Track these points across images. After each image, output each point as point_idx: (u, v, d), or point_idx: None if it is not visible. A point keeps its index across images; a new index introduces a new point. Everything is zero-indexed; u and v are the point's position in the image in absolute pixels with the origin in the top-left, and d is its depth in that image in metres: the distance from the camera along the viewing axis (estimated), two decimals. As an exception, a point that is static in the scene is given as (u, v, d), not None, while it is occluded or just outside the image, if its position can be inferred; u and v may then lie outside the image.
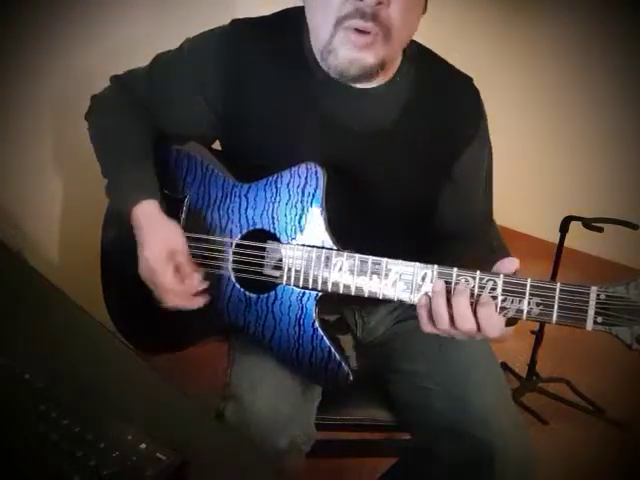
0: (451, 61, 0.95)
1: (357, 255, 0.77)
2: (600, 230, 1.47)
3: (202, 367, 0.92)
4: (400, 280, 0.75)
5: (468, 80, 0.93)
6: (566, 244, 1.56)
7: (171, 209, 0.89)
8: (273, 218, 0.84)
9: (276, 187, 0.85)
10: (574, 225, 1.53)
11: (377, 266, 0.76)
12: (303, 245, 0.81)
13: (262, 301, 0.84)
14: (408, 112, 0.87)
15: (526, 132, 2.28)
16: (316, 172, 0.82)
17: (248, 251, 0.86)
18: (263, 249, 0.85)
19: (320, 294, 0.80)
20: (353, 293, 0.77)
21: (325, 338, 0.81)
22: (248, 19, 0.91)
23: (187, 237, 0.87)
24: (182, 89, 0.92)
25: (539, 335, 1.63)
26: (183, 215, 0.91)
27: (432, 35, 1.00)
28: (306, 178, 0.82)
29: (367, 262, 0.76)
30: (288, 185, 0.84)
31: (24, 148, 1.28)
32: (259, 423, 0.81)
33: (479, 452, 0.82)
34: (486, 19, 2.21)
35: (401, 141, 0.88)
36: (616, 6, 2.05)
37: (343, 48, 0.77)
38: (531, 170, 2.24)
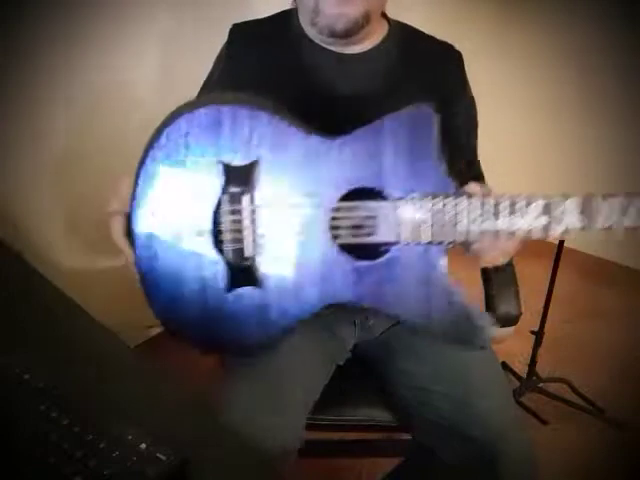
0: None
1: (482, 198, 0.71)
2: (600, 230, 1.46)
3: (202, 367, 0.92)
4: (535, 213, 0.71)
5: (450, 46, 0.99)
6: (566, 244, 1.57)
7: (237, 180, 0.76)
8: (379, 172, 0.74)
9: (379, 137, 0.74)
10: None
11: (506, 205, 0.71)
12: (425, 196, 0.73)
13: (377, 269, 0.75)
14: (393, 75, 0.93)
15: (526, 132, 2.28)
16: (427, 114, 0.73)
17: (354, 214, 0.75)
18: (369, 210, 0.74)
19: (450, 245, 0.74)
20: (500, 237, 0.73)
21: (460, 292, 0.75)
22: (244, 22, 1.00)
23: (262, 209, 0.76)
24: None
25: (539, 335, 1.63)
26: (256, 183, 0.76)
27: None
28: (414, 122, 0.74)
29: (499, 204, 0.71)
30: (394, 132, 0.74)
31: (24, 148, 1.28)
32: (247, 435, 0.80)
33: (480, 453, 0.82)
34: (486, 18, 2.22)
35: (387, 103, 0.89)
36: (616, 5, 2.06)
37: (327, 5, 0.85)
38: (531, 170, 2.24)
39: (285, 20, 0.98)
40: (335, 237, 0.76)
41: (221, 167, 0.75)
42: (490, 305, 1.00)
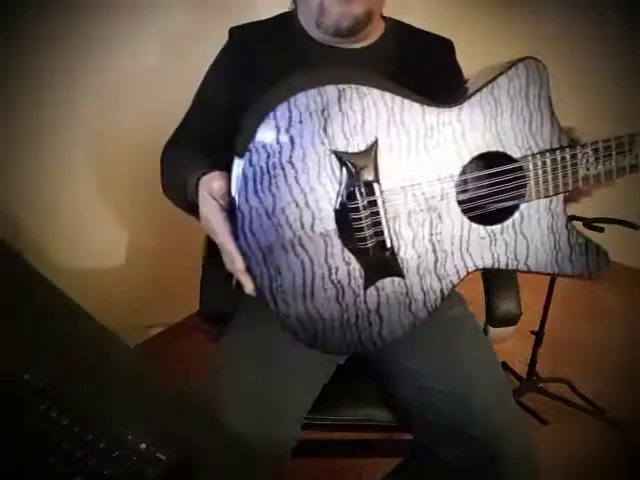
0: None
1: (598, 142, 0.79)
2: (600, 230, 1.46)
3: (202, 367, 0.91)
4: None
5: (442, 38, 1.02)
6: (566, 244, 1.57)
7: (355, 169, 0.70)
8: (499, 135, 0.76)
9: (494, 99, 0.75)
10: (574, 225, 1.53)
11: (619, 144, 0.79)
12: (546, 152, 0.77)
13: (508, 229, 0.79)
14: (391, 70, 0.93)
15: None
16: (537, 67, 0.75)
17: (480, 183, 0.78)
18: (495, 175, 0.77)
19: (567, 192, 0.80)
20: (603, 180, 0.80)
21: (579, 232, 0.83)
22: (243, 24, 1.01)
23: (391, 194, 0.73)
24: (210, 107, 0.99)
25: (539, 335, 1.63)
26: (379, 168, 0.71)
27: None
28: (527, 78, 0.75)
29: (610, 145, 0.79)
30: (508, 92, 0.75)
31: (25, 149, 1.28)
32: (246, 434, 0.79)
33: (480, 452, 0.82)
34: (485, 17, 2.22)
35: None
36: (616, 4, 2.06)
37: (333, 4, 0.88)
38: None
39: (286, 21, 0.99)
40: (465, 209, 0.77)
41: (334, 157, 0.68)
42: (490, 305, 1.00)
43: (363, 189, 0.71)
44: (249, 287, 0.71)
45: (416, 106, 0.72)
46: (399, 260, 0.75)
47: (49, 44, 1.24)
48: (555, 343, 1.74)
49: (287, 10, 1.03)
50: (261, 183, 0.67)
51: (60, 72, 1.27)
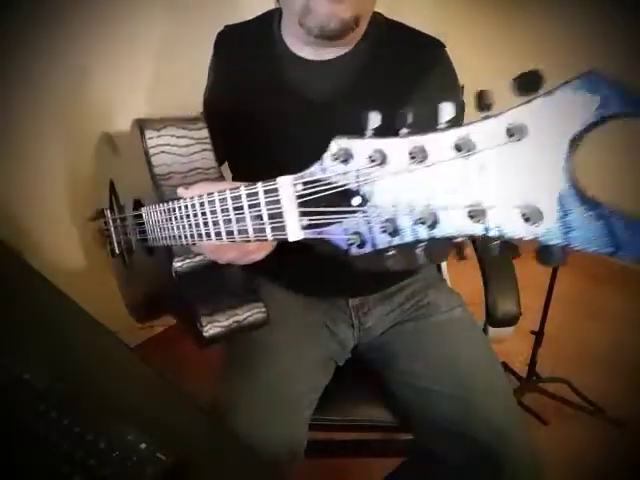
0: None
1: None
2: (600, 230, 1.47)
3: (202, 367, 0.91)
4: None
5: (432, 40, 0.93)
6: (566, 244, 1.56)
7: None
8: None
9: None
10: None
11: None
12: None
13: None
14: (367, 77, 0.90)
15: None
16: None
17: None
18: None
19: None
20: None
21: None
22: (230, 25, 1.01)
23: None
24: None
25: (539, 335, 1.63)
26: None
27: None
28: None
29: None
30: None
31: (24, 149, 1.28)
32: (251, 437, 0.80)
33: (482, 453, 0.81)
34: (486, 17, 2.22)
35: (362, 105, 0.88)
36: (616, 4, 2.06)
37: (320, 4, 0.81)
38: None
39: (266, 25, 0.96)
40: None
41: None
42: (490, 305, 1.00)
43: None
44: None
45: None
46: None
47: (48, 45, 1.24)
48: (555, 343, 1.74)
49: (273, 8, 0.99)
50: None
51: (60, 73, 1.27)
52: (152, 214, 0.76)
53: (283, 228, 0.48)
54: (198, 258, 0.75)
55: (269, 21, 0.97)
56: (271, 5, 0.99)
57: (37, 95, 1.25)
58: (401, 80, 0.89)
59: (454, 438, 0.85)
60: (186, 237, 0.67)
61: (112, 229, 1.01)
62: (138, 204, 0.86)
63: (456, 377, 0.89)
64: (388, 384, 0.97)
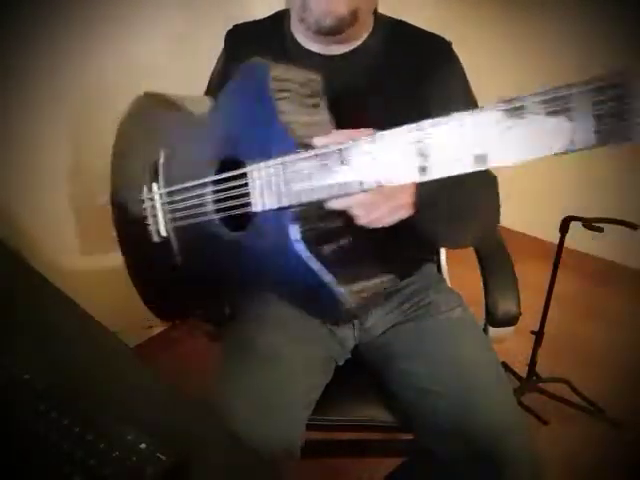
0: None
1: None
2: (600, 230, 1.46)
3: (202, 367, 0.92)
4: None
5: (438, 38, 0.95)
6: (566, 244, 1.56)
7: None
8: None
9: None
10: (574, 225, 1.53)
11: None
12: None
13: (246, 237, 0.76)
14: (377, 73, 0.91)
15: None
16: (258, 70, 0.74)
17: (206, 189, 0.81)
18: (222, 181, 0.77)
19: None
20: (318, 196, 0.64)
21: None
22: (238, 25, 1.02)
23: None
24: None
25: (539, 335, 1.63)
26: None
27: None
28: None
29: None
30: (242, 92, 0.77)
31: (24, 149, 1.28)
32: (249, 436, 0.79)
33: (482, 453, 0.81)
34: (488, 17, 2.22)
35: (372, 101, 0.89)
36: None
37: (315, 2, 0.83)
38: (531, 170, 2.24)
39: (277, 22, 0.98)
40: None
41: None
42: (490, 305, 1.00)
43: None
44: None
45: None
46: None
47: (49, 44, 1.24)
48: (555, 343, 1.74)
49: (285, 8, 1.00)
50: None
51: (61, 72, 1.27)
52: (275, 169, 0.67)
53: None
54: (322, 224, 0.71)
55: (280, 19, 0.98)
56: (282, 7, 1.00)
57: (37, 95, 1.26)
58: (411, 76, 0.90)
59: (454, 438, 0.85)
60: (341, 186, 0.60)
61: (159, 207, 0.90)
62: (224, 168, 0.77)
63: (456, 377, 0.88)
64: (388, 384, 0.97)
